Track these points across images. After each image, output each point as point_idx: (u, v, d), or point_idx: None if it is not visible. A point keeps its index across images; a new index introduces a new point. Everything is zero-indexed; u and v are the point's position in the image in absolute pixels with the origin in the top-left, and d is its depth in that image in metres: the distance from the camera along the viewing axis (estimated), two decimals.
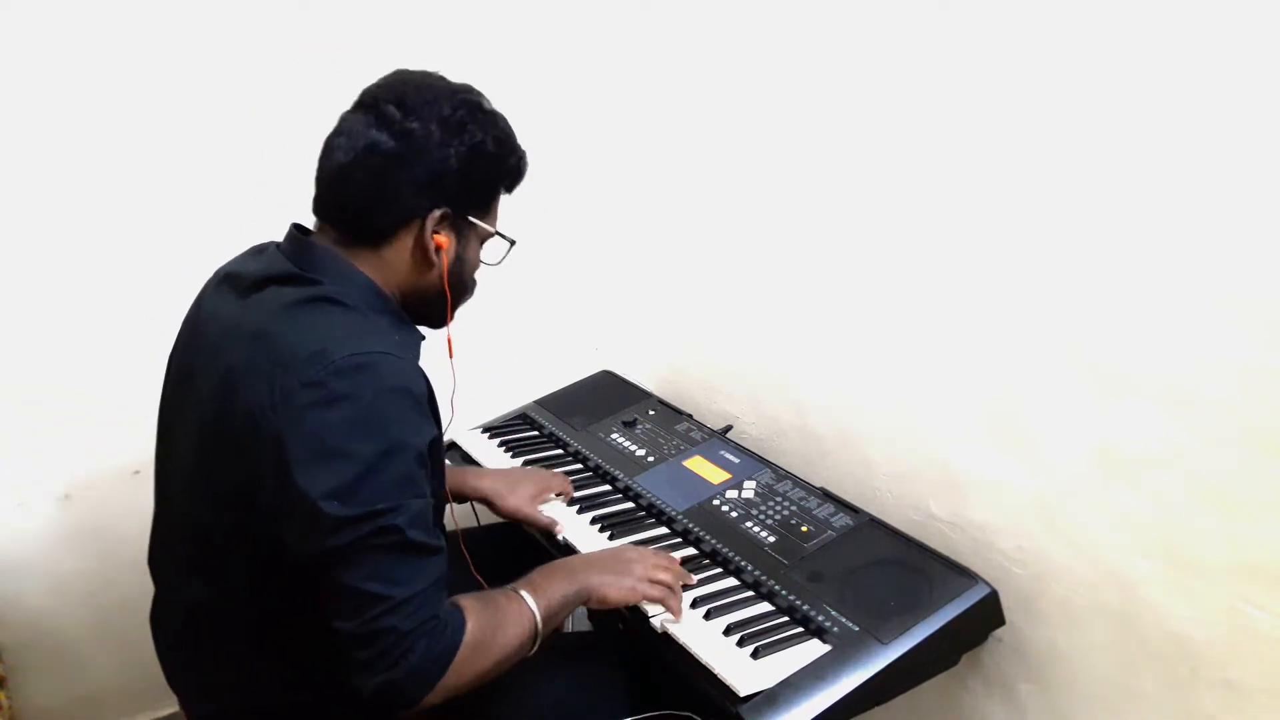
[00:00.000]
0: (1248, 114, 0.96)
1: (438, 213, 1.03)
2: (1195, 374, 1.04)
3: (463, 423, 1.77)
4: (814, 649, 1.12)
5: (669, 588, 1.18)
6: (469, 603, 1.00)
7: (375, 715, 0.97)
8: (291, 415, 0.90)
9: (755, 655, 1.11)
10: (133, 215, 1.58)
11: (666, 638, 1.16)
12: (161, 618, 1.16)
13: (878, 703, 1.12)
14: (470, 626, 0.97)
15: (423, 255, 1.05)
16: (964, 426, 1.34)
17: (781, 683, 1.07)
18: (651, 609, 1.18)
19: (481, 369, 1.93)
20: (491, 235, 1.12)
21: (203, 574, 1.06)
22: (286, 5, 1.58)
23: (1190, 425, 1.06)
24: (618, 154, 1.97)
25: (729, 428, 1.76)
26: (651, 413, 1.74)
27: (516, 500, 1.42)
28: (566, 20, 1.85)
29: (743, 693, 1.06)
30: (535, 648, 1.05)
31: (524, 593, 1.06)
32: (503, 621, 1.01)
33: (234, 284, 1.06)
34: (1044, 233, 1.18)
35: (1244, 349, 0.99)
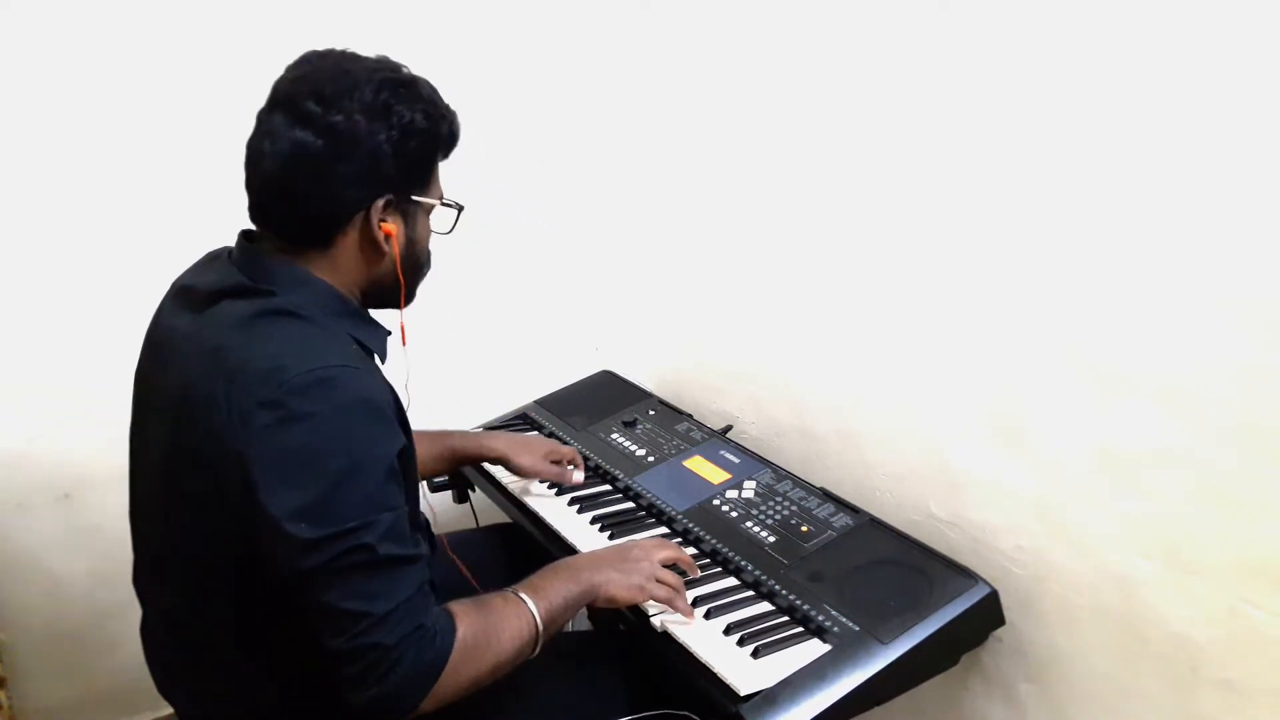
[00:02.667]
0: (1247, 114, 0.96)
1: (380, 202, 1.00)
2: (1195, 374, 1.04)
3: (463, 423, 1.78)
4: (814, 649, 1.12)
5: (675, 588, 1.17)
6: (461, 608, 0.99)
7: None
8: (251, 436, 0.88)
9: (755, 655, 1.11)
10: (133, 215, 1.58)
11: (666, 637, 1.16)
12: (150, 631, 1.15)
13: (878, 703, 1.12)
14: (461, 632, 0.96)
15: (372, 247, 1.02)
16: (964, 426, 1.34)
17: (781, 682, 1.07)
18: (654, 607, 1.18)
19: (481, 369, 1.93)
20: (435, 206, 1.08)
21: (185, 590, 1.04)
22: (287, 5, 1.59)
23: (1190, 425, 1.06)
24: (618, 154, 1.97)
25: (729, 428, 1.76)
26: (651, 413, 1.74)
27: (530, 458, 1.47)
28: (567, 20, 1.85)
29: (743, 692, 1.06)
30: (537, 650, 1.04)
31: (523, 595, 1.05)
32: (498, 625, 1.00)
33: (188, 298, 1.04)
34: (1044, 233, 1.18)
35: (1244, 349, 0.99)
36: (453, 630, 0.96)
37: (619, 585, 1.12)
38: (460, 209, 1.11)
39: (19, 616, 1.67)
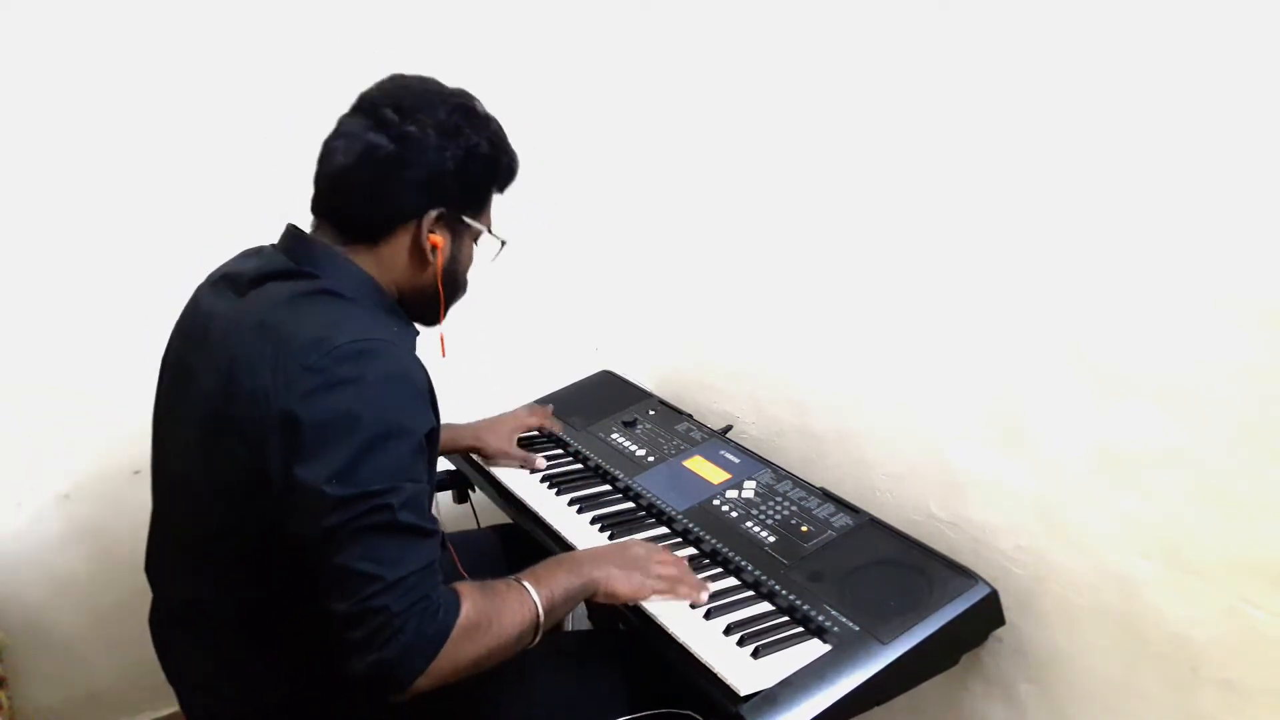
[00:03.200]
0: (1247, 114, 0.96)
1: (434, 213, 1.06)
2: (1195, 374, 1.04)
3: (463, 422, 1.78)
4: (814, 649, 1.12)
5: (674, 578, 1.18)
6: (467, 588, 1.00)
7: (372, 707, 0.97)
8: (295, 400, 0.92)
9: (755, 655, 1.11)
10: (133, 215, 1.58)
11: (667, 637, 1.16)
12: (160, 620, 1.16)
13: (878, 703, 1.12)
14: (465, 610, 0.97)
15: (419, 254, 1.08)
16: (964, 426, 1.34)
17: (781, 682, 1.07)
18: (655, 605, 1.18)
19: (481, 369, 1.93)
20: (483, 233, 1.15)
21: (202, 573, 1.06)
22: (289, 6, 1.59)
23: (1190, 425, 1.06)
24: (618, 154, 1.97)
25: (729, 428, 1.76)
26: (651, 413, 1.74)
27: (498, 442, 1.56)
28: (567, 20, 1.85)
29: (743, 692, 1.06)
30: (537, 638, 1.05)
31: (526, 583, 1.06)
32: (501, 609, 1.01)
33: (231, 283, 1.08)
34: (1044, 233, 1.18)
35: (1244, 349, 0.99)
36: (457, 607, 0.97)
37: (620, 580, 1.14)
38: (504, 243, 1.17)
39: (19, 616, 1.67)
